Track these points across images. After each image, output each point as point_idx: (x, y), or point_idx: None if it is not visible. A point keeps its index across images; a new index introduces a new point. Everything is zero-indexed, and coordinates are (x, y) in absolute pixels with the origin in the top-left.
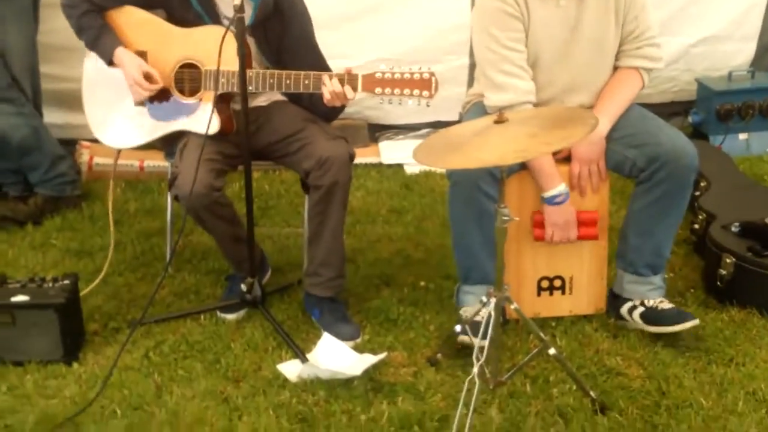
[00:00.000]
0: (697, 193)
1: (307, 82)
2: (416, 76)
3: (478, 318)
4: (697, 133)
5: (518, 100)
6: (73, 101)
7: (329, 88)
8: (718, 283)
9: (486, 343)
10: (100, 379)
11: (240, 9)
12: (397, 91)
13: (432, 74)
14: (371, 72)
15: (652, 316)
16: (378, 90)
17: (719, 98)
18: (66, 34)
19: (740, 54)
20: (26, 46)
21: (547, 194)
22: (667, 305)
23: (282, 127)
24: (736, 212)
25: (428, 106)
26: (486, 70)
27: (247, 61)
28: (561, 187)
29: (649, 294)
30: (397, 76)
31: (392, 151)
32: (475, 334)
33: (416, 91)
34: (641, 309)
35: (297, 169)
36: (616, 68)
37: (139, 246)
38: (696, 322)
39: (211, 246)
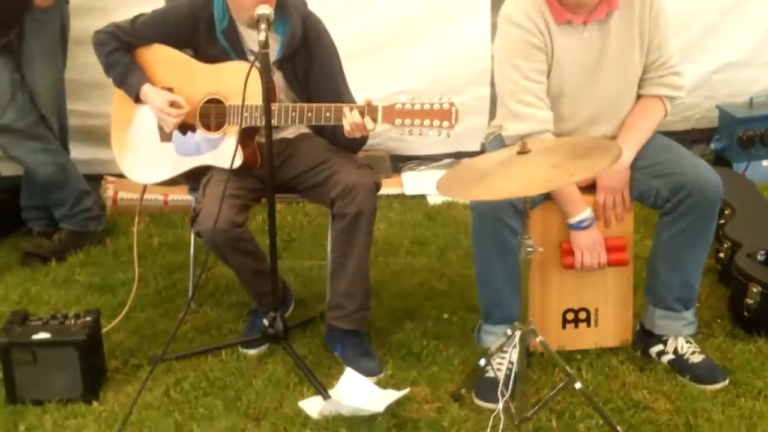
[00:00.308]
0: (722, 221)
1: (328, 114)
2: (436, 106)
3: (503, 352)
4: (720, 160)
5: (536, 129)
6: (99, 137)
7: (349, 119)
8: (745, 312)
9: (511, 377)
10: (120, 418)
11: (265, 45)
12: (417, 122)
13: (452, 104)
14: (391, 103)
15: (681, 365)
16: (398, 121)
17: (741, 125)
18: (93, 70)
19: (761, 80)
20: (54, 83)
21: (573, 220)
22: (697, 357)
23: (308, 158)
24: (762, 240)
25: (448, 136)
26: (506, 100)
27: (273, 95)
28: (587, 212)
29: (682, 330)
30: (417, 107)
31: (415, 182)
32: (500, 368)
33: (436, 122)
34: (671, 356)
35: (323, 200)
36: (638, 96)
37: (162, 281)
38: (726, 383)
39: (234, 280)
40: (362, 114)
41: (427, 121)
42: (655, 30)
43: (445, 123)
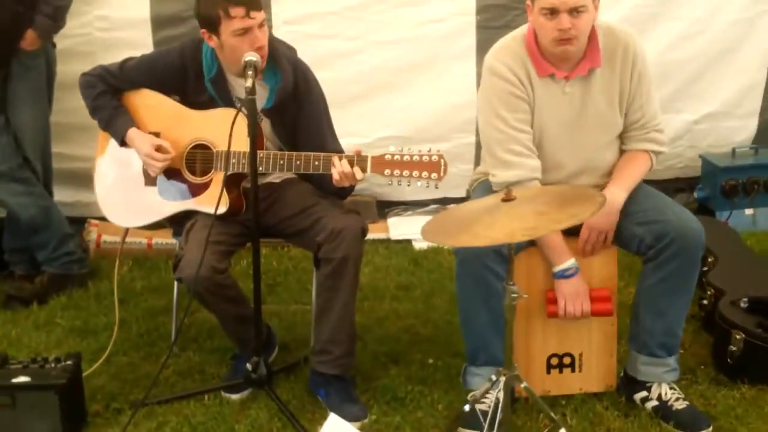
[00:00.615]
0: (705, 269)
1: (317, 163)
2: (425, 158)
3: (487, 397)
4: (703, 209)
5: (526, 176)
6: (83, 180)
7: (338, 169)
8: (729, 359)
9: (496, 422)
10: None
11: (251, 91)
12: (405, 173)
13: (441, 156)
14: (380, 154)
15: (665, 412)
16: (387, 172)
17: (724, 174)
18: (79, 114)
19: (743, 130)
20: (39, 126)
21: (558, 269)
22: (681, 404)
23: (294, 203)
24: (745, 288)
25: (437, 187)
26: (493, 149)
27: (260, 142)
28: (571, 261)
29: (665, 376)
30: (406, 158)
31: (401, 227)
32: (485, 414)
33: (425, 173)
34: (655, 403)
35: (309, 245)
36: (622, 151)
37: (144, 325)
38: (710, 429)
39: (217, 324)
40: (351, 164)
41: (415, 173)
42: (637, 91)
43: (434, 175)
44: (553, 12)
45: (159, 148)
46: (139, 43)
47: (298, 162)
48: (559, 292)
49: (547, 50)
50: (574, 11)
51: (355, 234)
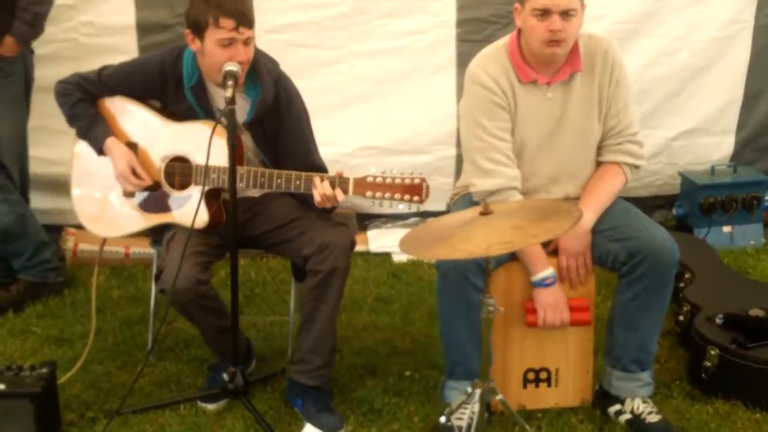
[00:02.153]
0: (682, 285)
1: (298, 182)
2: (407, 181)
3: (463, 410)
4: (682, 226)
5: (506, 185)
6: (61, 186)
7: (320, 190)
8: (703, 375)
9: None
10: None
11: (231, 101)
12: (387, 195)
13: (423, 180)
14: (363, 176)
15: (638, 426)
16: (369, 194)
17: (703, 192)
18: (58, 118)
19: (720, 148)
20: (16, 132)
21: (537, 278)
22: (654, 417)
23: (279, 214)
24: (721, 304)
25: (419, 210)
26: (474, 157)
27: (240, 156)
28: (549, 270)
29: (638, 391)
30: (389, 180)
31: (380, 240)
32: (460, 427)
33: (407, 197)
34: (628, 416)
35: (293, 255)
36: (599, 163)
37: (120, 334)
38: None
39: (194, 334)
40: (333, 185)
41: (397, 195)
42: (614, 97)
43: (416, 198)
44: (544, 13)
45: (135, 171)
46: (125, 49)
47: (279, 180)
48: (537, 301)
49: (533, 55)
50: (566, 14)
51: (344, 247)
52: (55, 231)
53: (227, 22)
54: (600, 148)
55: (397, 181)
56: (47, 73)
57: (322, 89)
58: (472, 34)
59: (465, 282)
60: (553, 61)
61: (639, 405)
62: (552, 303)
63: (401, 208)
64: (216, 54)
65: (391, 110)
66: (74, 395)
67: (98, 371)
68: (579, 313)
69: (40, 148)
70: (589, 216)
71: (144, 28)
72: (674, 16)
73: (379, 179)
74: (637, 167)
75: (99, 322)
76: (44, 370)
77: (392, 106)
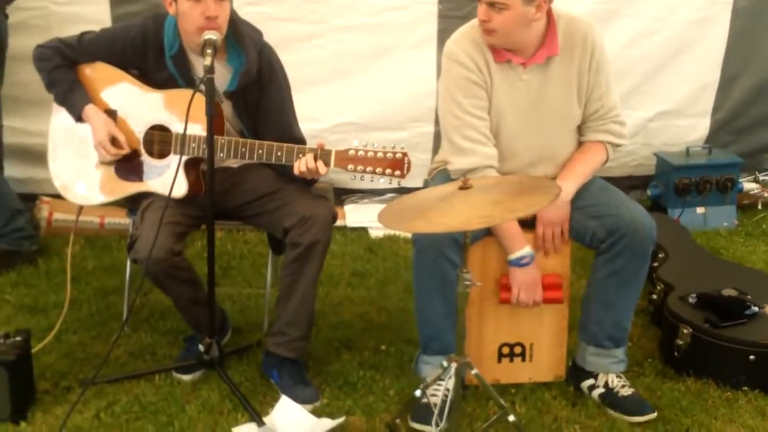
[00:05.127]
0: (656, 264)
1: (279, 153)
2: (389, 155)
3: (439, 384)
4: (656, 206)
5: (482, 164)
6: (36, 156)
7: (302, 162)
8: (675, 353)
9: (446, 408)
10: None
11: (210, 70)
12: (369, 168)
13: (405, 154)
14: (345, 149)
15: (611, 399)
16: (350, 167)
17: (677, 173)
18: (32, 88)
19: (696, 129)
20: None
21: (513, 256)
22: (627, 391)
23: (259, 186)
24: (694, 284)
25: (399, 185)
26: (450, 135)
27: (219, 124)
28: (526, 249)
29: (612, 367)
30: (370, 154)
31: (357, 215)
32: (435, 401)
33: (388, 170)
34: (601, 390)
35: (273, 228)
36: (581, 143)
37: (95, 304)
38: (653, 415)
39: (170, 305)
40: (315, 158)
41: (379, 169)
42: (595, 81)
43: (397, 172)
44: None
45: (114, 140)
46: (97, 18)
47: (260, 151)
48: (513, 280)
49: None
50: (491, 5)
51: (325, 220)
52: (30, 200)
53: None
54: (583, 129)
55: (379, 155)
56: (16, 42)
57: (300, 63)
58: (453, 11)
59: (441, 257)
60: (518, 49)
61: (612, 379)
62: (527, 283)
63: (382, 182)
64: (187, 11)
65: (370, 86)
66: (49, 364)
67: (73, 341)
68: (551, 291)
69: (13, 118)
70: (569, 187)
71: None
72: None
73: (361, 152)
74: (618, 146)
75: (74, 291)
76: (18, 339)
77: (371, 82)
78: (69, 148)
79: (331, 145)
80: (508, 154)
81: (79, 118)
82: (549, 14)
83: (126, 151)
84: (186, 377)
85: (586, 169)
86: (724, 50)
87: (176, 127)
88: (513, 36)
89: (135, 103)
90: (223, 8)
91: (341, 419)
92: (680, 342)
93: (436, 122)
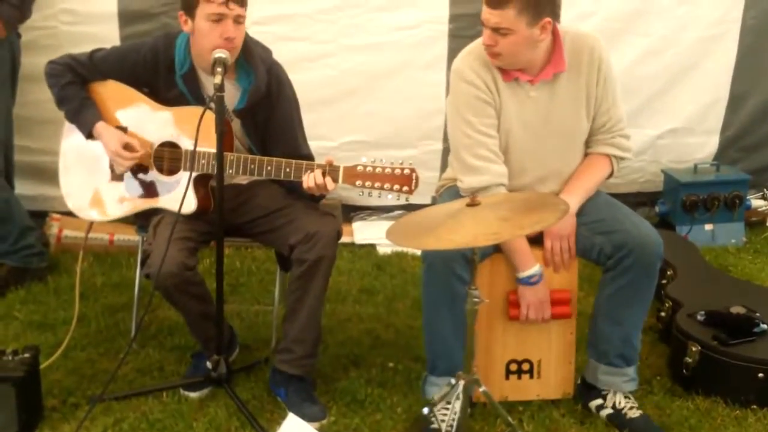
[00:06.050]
0: (664, 281)
1: (288, 170)
2: (397, 171)
3: (446, 402)
4: (664, 223)
5: (493, 182)
6: (46, 174)
7: (310, 178)
8: (684, 371)
9: (453, 426)
10: None
11: (220, 88)
12: (377, 185)
13: (413, 170)
14: (353, 165)
15: (619, 421)
16: (358, 183)
17: (685, 189)
18: (43, 107)
19: (704, 147)
20: (2, 117)
21: (523, 275)
22: (635, 413)
23: (267, 202)
24: (702, 301)
25: (407, 200)
26: (461, 154)
27: (229, 142)
28: (536, 268)
29: (623, 386)
30: (378, 170)
31: (365, 232)
32: (443, 417)
33: (396, 186)
34: (609, 411)
35: (280, 244)
36: (586, 155)
37: (103, 321)
38: None
39: (178, 321)
40: (324, 174)
41: (387, 185)
42: (603, 95)
43: (405, 188)
44: (484, 24)
45: (127, 146)
46: (106, 38)
47: (269, 167)
48: (522, 298)
49: None
50: (496, 30)
51: (330, 236)
52: (40, 217)
53: None
54: (590, 142)
55: (387, 170)
56: (26, 61)
57: (309, 83)
58: (463, 30)
59: (450, 273)
60: (526, 68)
61: (620, 400)
62: (536, 301)
63: (390, 198)
64: (206, 31)
65: (379, 105)
66: (57, 381)
67: (81, 357)
68: (560, 306)
69: (24, 138)
70: (574, 200)
71: (126, 17)
72: (662, 15)
73: (369, 168)
74: (623, 159)
75: (82, 308)
76: (27, 355)
77: (381, 101)
78: (81, 166)
79: (341, 162)
80: (518, 170)
81: (89, 135)
82: (554, 31)
83: (141, 152)
84: (193, 394)
85: (591, 183)
86: (732, 68)
87: (186, 143)
88: (519, 57)
89: (145, 120)
90: (240, 31)
91: None
92: (689, 360)
93: (445, 140)
